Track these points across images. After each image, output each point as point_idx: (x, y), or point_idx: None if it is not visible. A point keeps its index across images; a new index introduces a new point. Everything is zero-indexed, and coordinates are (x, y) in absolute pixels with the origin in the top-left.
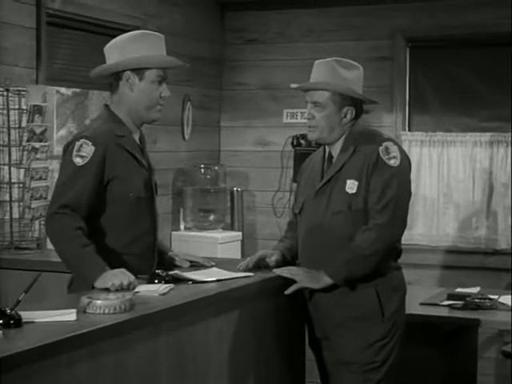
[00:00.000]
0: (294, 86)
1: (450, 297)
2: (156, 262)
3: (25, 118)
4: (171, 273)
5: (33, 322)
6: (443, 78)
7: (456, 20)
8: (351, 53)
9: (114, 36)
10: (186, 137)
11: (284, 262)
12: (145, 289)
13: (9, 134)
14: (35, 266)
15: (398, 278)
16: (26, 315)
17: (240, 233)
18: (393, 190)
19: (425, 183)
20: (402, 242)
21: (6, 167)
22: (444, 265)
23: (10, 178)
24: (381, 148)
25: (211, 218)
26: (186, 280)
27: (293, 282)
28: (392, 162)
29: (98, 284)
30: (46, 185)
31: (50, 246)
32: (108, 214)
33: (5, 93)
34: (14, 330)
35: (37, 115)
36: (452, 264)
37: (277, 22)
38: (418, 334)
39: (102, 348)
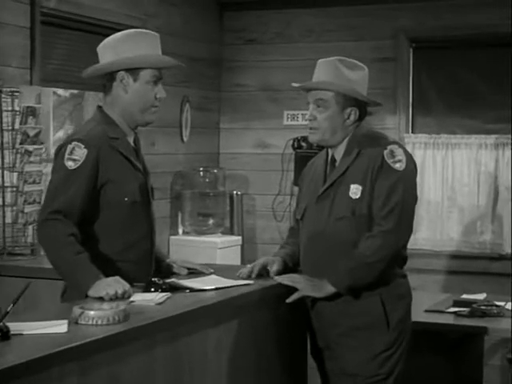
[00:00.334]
0: (295, 85)
1: (456, 303)
2: (153, 270)
3: (18, 120)
4: (168, 281)
5: (21, 335)
6: (447, 79)
7: (461, 20)
8: (353, 53)
9: (109, 36)
10: (185, 139)
11: (285, 269)
12: (140, 298)
13: (1, 137)
14: (28, 273)
15: (403, 286)
16: (14, 327)
17: (240, 237)
18: (398, 195)
19: (429, 186)
20: None
21: None
22: (448, 270)
23: (2, 182)
24: (386, 151)
25: (210, 222)
26: (183, 288)
27: (294, 290)
28: (397, 166)
29: (92, 293)
30: (40, 189)
31: (43, 252)
32: (102, 220)
33: None
34: (2, 342)
35: (30, 117)
36: (456, 269)
37: (276, 22)
38: (423, 341)
39: (95, 361)
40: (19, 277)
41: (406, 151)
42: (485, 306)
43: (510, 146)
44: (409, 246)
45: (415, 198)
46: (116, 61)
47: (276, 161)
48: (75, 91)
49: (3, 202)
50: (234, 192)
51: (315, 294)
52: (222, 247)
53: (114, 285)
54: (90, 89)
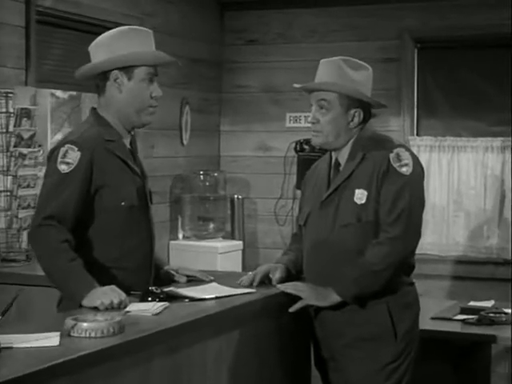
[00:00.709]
0: (297, 85)
1: (463, 311)
2: (152, 278)
3: (12, 122)
4: (166, 289)
5: (11, 348)
6: (453, 80)
7: (466, 20)
8: (356, 54)
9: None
10: (185, 142)
11: (288, 277)
12: (137, 308)
13: None
14: (23, 280)
15: (411, 294)
16: (3, 339)
17: (241, 242)
18: (405, 200)
19: (434, 190)
20: None
21: None
22: (454, 275)
23: None
24: (391, 155)
25: (211, 226)
26: (182, 297)
27: (298, 298)
28: (404, 170)
29: (86, 302)
30: (35, 193)
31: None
32: (98, 225)
33: None
34: None
35: (24, 119)
36: (462, 274)
37: (278, 22)
38: (430, 350)
39: (89, 376)
40: (13, 284)
41: (412, 154)
42: (493, 313)
43: None
44: None
45: (423, 203)
46: (109, 59)
47: (278, 164)
48: (73, 93)
49: None
50: (235, 196)
51: (319, 303)
52: (223, 252)
53: (109, 294)
54: (87, 90)
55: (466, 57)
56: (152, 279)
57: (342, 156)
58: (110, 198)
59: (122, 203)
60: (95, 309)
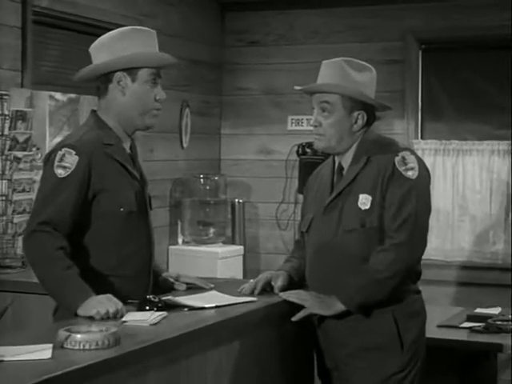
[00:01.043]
0: (298, 87)
1: (470, 318)
2: (151, 285)
3: (7, 125)
4: (164, 298)
5: (2, 361)
6: (458, 82)
7: (472, 21)
8: (359, 55)
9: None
10: (185, 145)
11: (291, 284)
12: (133, 318)
13: None
14: (19, 287)
15: (417, 303)
16: None
17: (242, 247)
18: (411, 206)
19: (439, 194)
20: None
21: None
22: (459, 281)
23: None
24: (397, 158)
25: (211, 231)
26: (181, 306)
27: (300, 307)
28: (409, 174)
29: (81, 312)
30: (30, 198)
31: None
32: (94, 232)
33: None
34: None
35: (20, 121)
36: (467, 280)
37: (279, 24)
38: (436, 358)
39: None
40: (8, 291)
41: (418, 158)
42: (500, 321)
43: None
44: None
45: (429, 208)
46: (112, 60)
47: (280, 167)
48: (73, 95)
49: None
50: (236, 200)
51: (323, 312)
52: (224, 257)
53: (105, 303)
54: (85, 92)
55: (472, 58)
56: (151, 287)
57: (346, 160)
58: (108, 204)
59: (121, 209)
60: (91, 318)
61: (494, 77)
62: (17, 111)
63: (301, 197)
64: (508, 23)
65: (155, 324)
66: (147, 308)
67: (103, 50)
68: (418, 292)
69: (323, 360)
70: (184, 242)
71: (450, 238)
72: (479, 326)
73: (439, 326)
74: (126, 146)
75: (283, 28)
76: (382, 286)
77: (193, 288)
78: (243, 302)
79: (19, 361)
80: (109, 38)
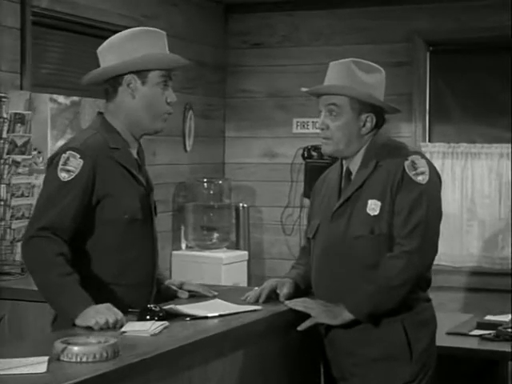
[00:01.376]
0: (304, 89)
1: (480, 325)
2: (154, 294)
3: (5, 128)
4: (165, 307)
5: None
6: (466, 84)
7: (481, 22)
8: (365, 57)
9: (108, 38)
10: (188, 148)
11: (297, 292)
12: (134, 328)
13: None
14: (17, 295)
15: (427, 311)
16: None
17: (246, 252)
18: (421, 211)
19: (447, 199)
20: None
21: None
22: (468, 287)
23: None
24: (406, 162)
25: (215, 236)
26: (182, 316)
27: (306, 315)
28: (420, 179)
29: (80, 322)
30: (29, 203)
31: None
32: (97, 238)
33: None
34: None
35: (18, 124)
36: (476, 286)
37: (284, 25)
38: (446, 367)
39: None
40: (7, 299)
41: (429, 162)
42: (511, 328)
43: None
44: None
45: (440, 214)
46: (122, 63)
47: (285, 171)
48: (76, 98)
49: None
50: (240, 204)
51: (330, 321)
52: (228, 263)
53: (104, 313)
54: (86, 95)
55: (480, 60)
56: (153, 296)
57: (354, 164)
58: (112, 210)
59: (125, 216)
60: (89, 328)
61: (503, 79)
62: (15, 114)
63: (306, 201)
64: None
65: (156, 334)
66: (148, 317)
67: (112, 52)
68: (428, 300)
69: (330, 370)
70: (187, 248)
71: (458, 243)
72: (489, 334)
73: (449, 334)
74: (133, 150)
75: (287, 29)
76: (392, 295)
77: (196, 296)
78: (247, 311)
79: (13, 375)
80: (118, 40)
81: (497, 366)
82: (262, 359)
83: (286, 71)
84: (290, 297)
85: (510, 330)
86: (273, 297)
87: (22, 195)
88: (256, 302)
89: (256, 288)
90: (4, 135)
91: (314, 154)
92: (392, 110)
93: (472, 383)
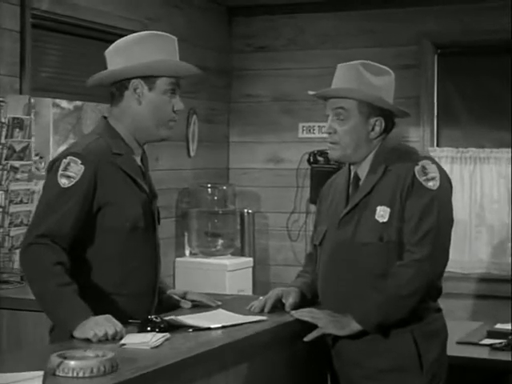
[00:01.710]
0: (311, 92)
1: (490, 334)
2: (155, 304)
3: (4, 133)
4: (167, 318)
5: None
6: (475, 87)
7: (490, 24)
8: (372, 60)
9: (110, 41)
10: (192, 153)
11: (303, 302)
12: (133, 340)
13: None
14: (16, 304)
15: (438, 321)
16: None
17: (251, 259)
18: (432, 218)
19: (455, 204)
20: None
21: None
22: (477, 294)
23: None
24: (417, 167)
25: (219, 242)
26: (185, 327)
27: (313, 326)
28: (430, 184)
29: (78, 333)
30: (28, 209)
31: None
32: (97, 246)
33: None
34: None
35: (17, 129)
36: (485, 293)
37: (289, 28)
38: (456, 377)
39: None
40: (5, 309)
41: (439, 167)
42: None
43: None
44: None
45: (451, 221)
46: (130, 67)
47: (290, 176)
48: (79, 103)
49: None
50: (245, 210)
51: (338, 332)
52: (232, 270)
53: (103, 324)
54: (88, 99)
55: (489, 63)
56: (155, 307)
57: (362, 170)
58: (114, 218)
59: (126, 224)
60: (87, 340)
61: None
62: (13, 118)
63: (312, 207)
64: None
65: (156, 347)
66: (148, 329)
67: (120, 55)
68: (439, 310)
69: (337, 382)
70: (191, 254)
71: (467, 249)
72: (500, 343)
73: (459, 343)
74: (137, 157)
75: (293, 32)
76: (402, 305)
77: (199, 306)
78: (252, 322)
79: None
80: (127, 43)
81: (507, 376)
82: (267, 372)
83: (292, 75)
84: (296, 306)
85: None
86: (278, 306)
87: (21, 202)
88: (261, 312)
89: (261, 297)
90: (2, 140)
91: (320, 159)
92: (402, 113)
93: None
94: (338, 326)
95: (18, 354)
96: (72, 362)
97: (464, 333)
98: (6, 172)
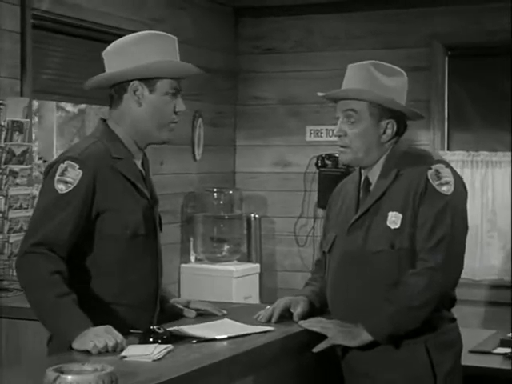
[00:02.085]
0: (320, 94)
1: (504, 343)
2: (158, 314)
3: (3, 136)
4: (170, 329)
5: None
6: (486, 90)
7: (501, 25)
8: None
9: (113, 41)
10: (197, 157)
11: (312, 311)
12: (135, 352)
13: None
14: (16, 313)
15: (452, 332)
16: None
17: (258, 265)
18: (446, 225)
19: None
20: None
21: None
22: (489, 301)
23: None
24: (430, 172)
25: (225, 248)
26: (188, 338)
27: (322, 336)
28: (444, 189)
29: (77, 345)
30: (28, 215)
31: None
32: (96, 255)
33: None
34: None
35: (16, 133)
36: (497, 300)
37: (297, 29)
38: None
39: None
40: (4, 318)
41: (454, 171)
42: None
43: None
44: None
45: (466, 228)
46: (129, 69)
47: (298, 180)
48: (83, 106)
49: None
50: (252, 215)
51: (348, 343)
52: (239, 276)
53: (103, 335)
54: (90, 102)
55: (501, 65)
56: (156, 316)
57: (373, 174)
58: (113, 224)
59: (127, 231)
60: (87, 352)
61: None
62: (13, 122)
63: (320, 211)
64: None
65: (159, 360)
66: (150, 340)
67: (119, 56)
68: (453, 320)
69: None
70: (196, 260)
71: (479, 255)
72: None
73: (471, 352)
74: (137, 161)
75: (301, 34)
76: (414, 315)
77: (203, 315)
78: (259, 332)
79: None
80: (125, 44)
81: None
82: None
83: (299, 77)
84: (305, 316)
85: None
86: (286, 316)
87: (21, 207)
88: (268, 322)
89: (268, 307)
90: (1, 144)
91: (328, 162)
92: (415, 115)
93: None
94: (349, 336)
95: (16, 368)
96: (69, 377)
97: (476, 341)
98: (5, 176)
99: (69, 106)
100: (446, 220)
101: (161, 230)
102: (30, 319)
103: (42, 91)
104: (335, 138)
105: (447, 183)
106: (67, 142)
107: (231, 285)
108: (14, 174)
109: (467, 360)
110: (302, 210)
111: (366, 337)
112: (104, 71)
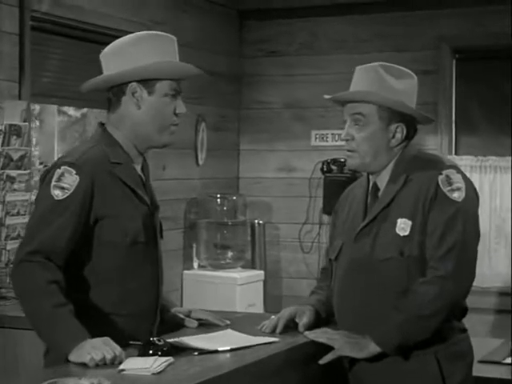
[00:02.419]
0: (327, 96)
1: None
2: (158, 324)
3: (0, 141)
4: (170, 340)
5: None
6: (495, 94)
7: (509, 28)
8: None
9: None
10: (200, 162)
11: (318, 321)
12: (134, 365)
13: None
14: (14, 323)
15: (463, 343)
16: None
17: (262, 271)
18: (457, 232)
19: None
20: None
21: None
22: (497, 309)
23: None
24: (440, 177)
25: (229, 255)
26: (190, 349)
27: (329, 347)
28: (455, 196)
29: (74, 357)
30: (26, 221)
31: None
32: (94, 263)
33: None
34: None
35: (14, 137)
36: (505, 308)
37: (302, 32)
38: None
39: None
40: (1, 327)
41: (465, 177)
42: None
43: None
44: None
45: (478, 235)
46: (127, 70)
47: (303, 186)
48: (84, 110)
49: None
50: (256, 221)
51: (355, 355)
52: (243, 283)
53: (101, 348)
54: (90, 105)
55: (510, 68)
56: (156, 327)
57: (382, 179)
58: (112, 232)
59: (126, 238)
60: (84, 365)
61: None
62: (10, 125)
63: (326, 217)
64: None
65: (158, 373)
66: (150, 352)
67: (116, 58)
68: (464, 330)
69: None
70: (200, 267)
71: (486, 262)
72: None
73: (481, 362)
74: (137, 165)
75: (306, 37)
76: (423, 325)
77: (205, 325)
78: (263, 344)
79: None
80: (123, 45)
81: None
82: None
83: (305, 81)
84: (311, 326)
85: None
86: (291, 326)
87: (18, 213)
88: (273, 333)
89: (273, 316)
90: None
91: (333, 167)
92: (425, 119)
93: None
94: (356, 347)
95: (12, 381)
96: None
97: (486, 351)
98: (2, 182)
99: (71, 110)
100: (457, 227)
101: (161, 237)
102: (27, 329)
103: (40, 94)
104: (341, 143)
105: (458, 189)
106: (69, 147)
107: (235, 292)
108: (12, 179)
109: (477, 370)
110: (307, 215)
111: (373, 348)
112: (102, 73)
